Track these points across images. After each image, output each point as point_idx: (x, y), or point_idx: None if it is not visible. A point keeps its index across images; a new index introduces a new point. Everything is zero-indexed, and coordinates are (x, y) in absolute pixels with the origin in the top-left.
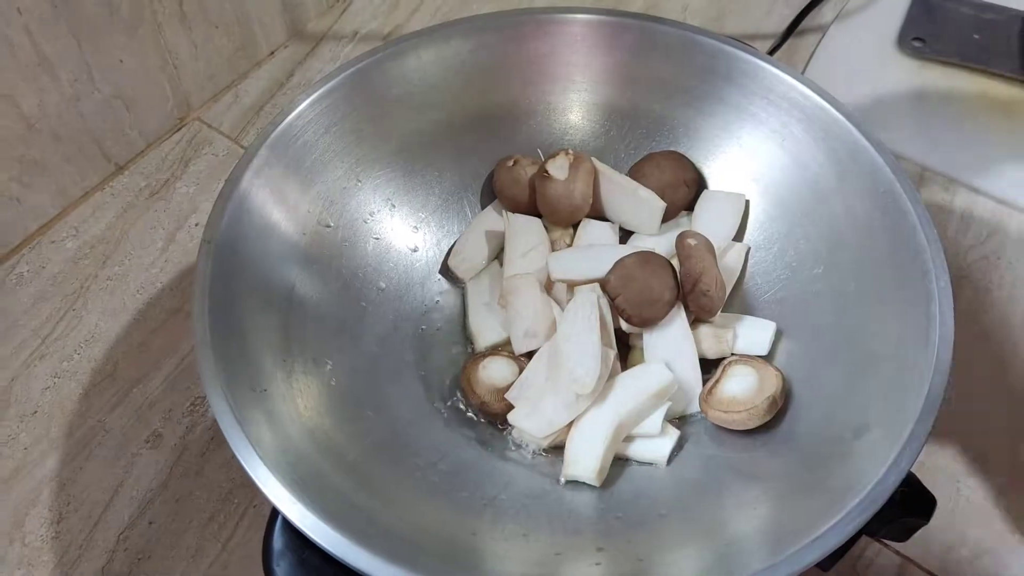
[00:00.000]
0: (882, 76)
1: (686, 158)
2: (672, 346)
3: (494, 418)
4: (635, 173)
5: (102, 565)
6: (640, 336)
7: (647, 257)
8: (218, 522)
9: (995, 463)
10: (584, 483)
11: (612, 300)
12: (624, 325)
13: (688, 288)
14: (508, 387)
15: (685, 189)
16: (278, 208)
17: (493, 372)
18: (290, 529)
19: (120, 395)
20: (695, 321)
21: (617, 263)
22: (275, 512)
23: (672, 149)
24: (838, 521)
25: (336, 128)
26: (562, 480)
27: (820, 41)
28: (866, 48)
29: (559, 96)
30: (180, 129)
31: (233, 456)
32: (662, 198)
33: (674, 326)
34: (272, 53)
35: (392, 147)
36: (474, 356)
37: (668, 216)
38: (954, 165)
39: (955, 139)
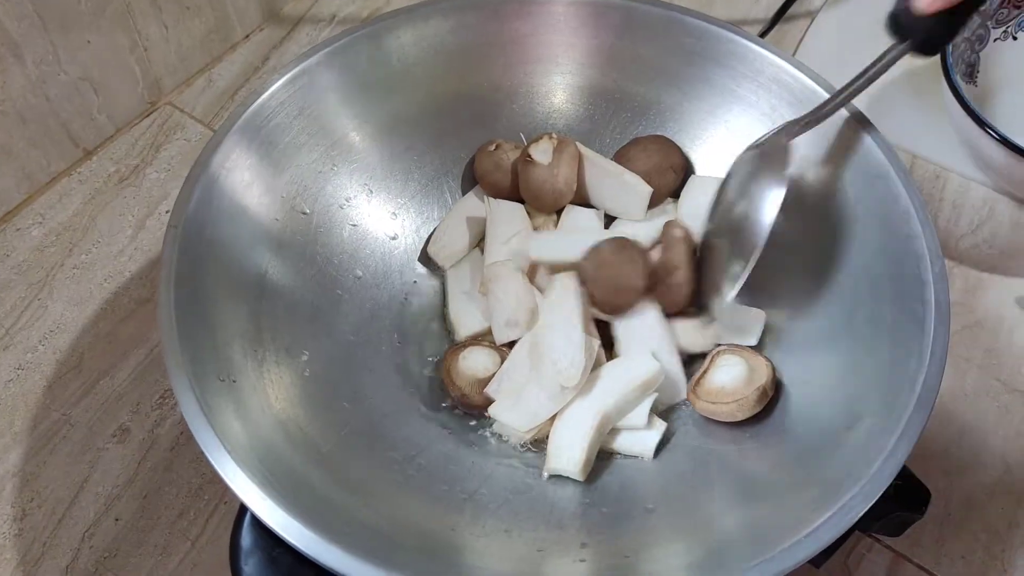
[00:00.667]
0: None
1: (673, 142)
2: (647, 336)
3: (475, 410)
4: (621, 157)
5: (67, 563)
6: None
7: (623, 244)
8: (187, 519)
9: (988, 455)
10: (568, 477)
11: (583, 285)
12: (597, 312)
13: (661, 276)
14: (490, 378)
15: (672, 175)
16: (249, 192)
17: (474, 362)
18: (259, 526)
19: (86, 387)
20: (677, 313)
21: (592, 249)
22: (243, 508)
23: (659, 133)
24: (831, 516)
25: (310, 110)
26: (545, 474)
27: (809, 26)
28: (856, 33)
29: (542, 78)
30: (151, 114)
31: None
32: (648, 183)
33: (648, 316)
34: (247, 36)
35: (369, 130)
36: (454, 346)
37: (654, 202)
38: (946, 152)
39: (947, 126)
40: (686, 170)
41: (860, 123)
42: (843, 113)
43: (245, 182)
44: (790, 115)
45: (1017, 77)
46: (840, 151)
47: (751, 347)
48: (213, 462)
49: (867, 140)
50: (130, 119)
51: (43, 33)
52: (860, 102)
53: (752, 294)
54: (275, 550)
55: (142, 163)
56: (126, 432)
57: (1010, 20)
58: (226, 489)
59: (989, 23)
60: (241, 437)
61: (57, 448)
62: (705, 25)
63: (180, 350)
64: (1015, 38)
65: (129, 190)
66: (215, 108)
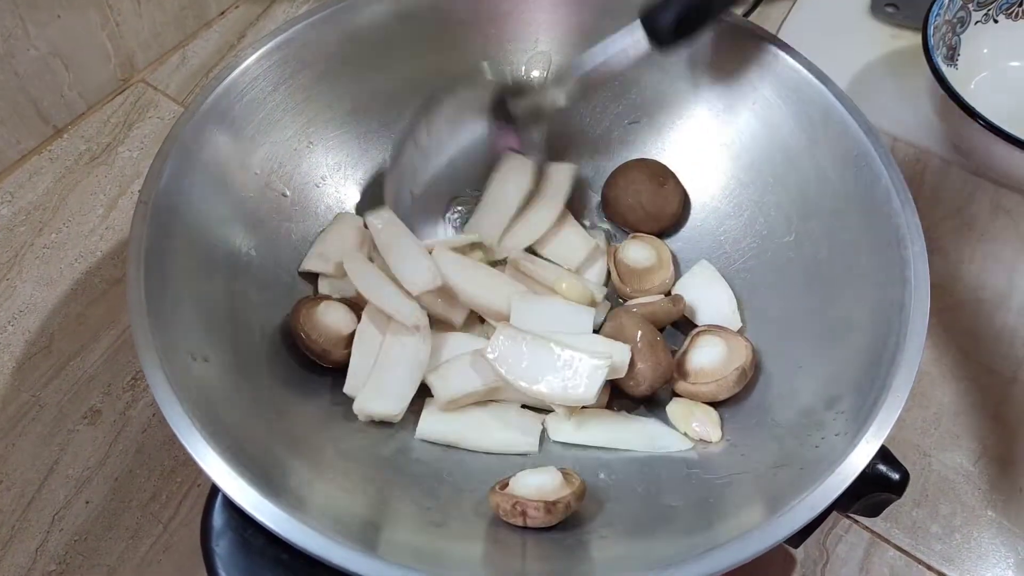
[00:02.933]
0: (854, 43)
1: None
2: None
3: (331, 365)
4: (611, 188)
5: (36, 546)
6: None
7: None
8: (159, 502)
9: (966, 437)
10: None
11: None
12: None
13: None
14: (349, 336)
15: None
16: (222, 168)
17: (334, 318)
18: (231, 506)
19: (56, 369)
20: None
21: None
22: (215, 488)
23: (650, 159)
24: (809, 496)
25: (285, 86)
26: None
27: (791, 8)
28: (838, 15)
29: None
30: (123, 91)
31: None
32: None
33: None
34: (223, 13)
35: (346, 107)
36: (305, 299)
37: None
38: (926, 135)
39: (927, 108)
40: (683, 200)
41: (841, 103)
42: (824, 93)
43: (218, 159)
44: (771, 95)
45: (998, 60)
46: (821, 131)
47: (730, 328)
48: (183, 440)
49: (848, 120)
50: (102, 96)
51: (11, 6)
52: (841, 82)
53: (732, 275)
54: (247, 531)
55: (114, 141)
56: (97, 414)
57: (991, 3)
58: (198, 471)
59: (970, 6)
60: (213, 416)
61: (26, 430)
62: None
63: (149, 328)
64: (996, 21)
65: (101, 169)
66: (189, 86)
